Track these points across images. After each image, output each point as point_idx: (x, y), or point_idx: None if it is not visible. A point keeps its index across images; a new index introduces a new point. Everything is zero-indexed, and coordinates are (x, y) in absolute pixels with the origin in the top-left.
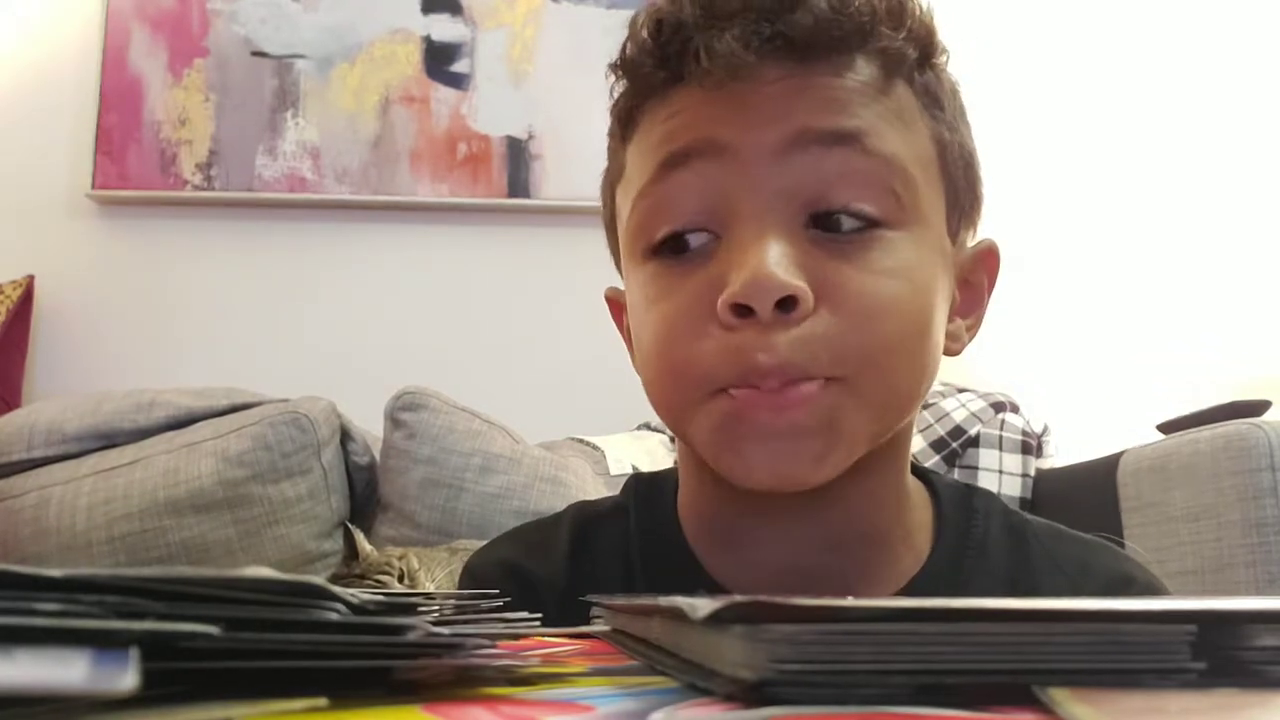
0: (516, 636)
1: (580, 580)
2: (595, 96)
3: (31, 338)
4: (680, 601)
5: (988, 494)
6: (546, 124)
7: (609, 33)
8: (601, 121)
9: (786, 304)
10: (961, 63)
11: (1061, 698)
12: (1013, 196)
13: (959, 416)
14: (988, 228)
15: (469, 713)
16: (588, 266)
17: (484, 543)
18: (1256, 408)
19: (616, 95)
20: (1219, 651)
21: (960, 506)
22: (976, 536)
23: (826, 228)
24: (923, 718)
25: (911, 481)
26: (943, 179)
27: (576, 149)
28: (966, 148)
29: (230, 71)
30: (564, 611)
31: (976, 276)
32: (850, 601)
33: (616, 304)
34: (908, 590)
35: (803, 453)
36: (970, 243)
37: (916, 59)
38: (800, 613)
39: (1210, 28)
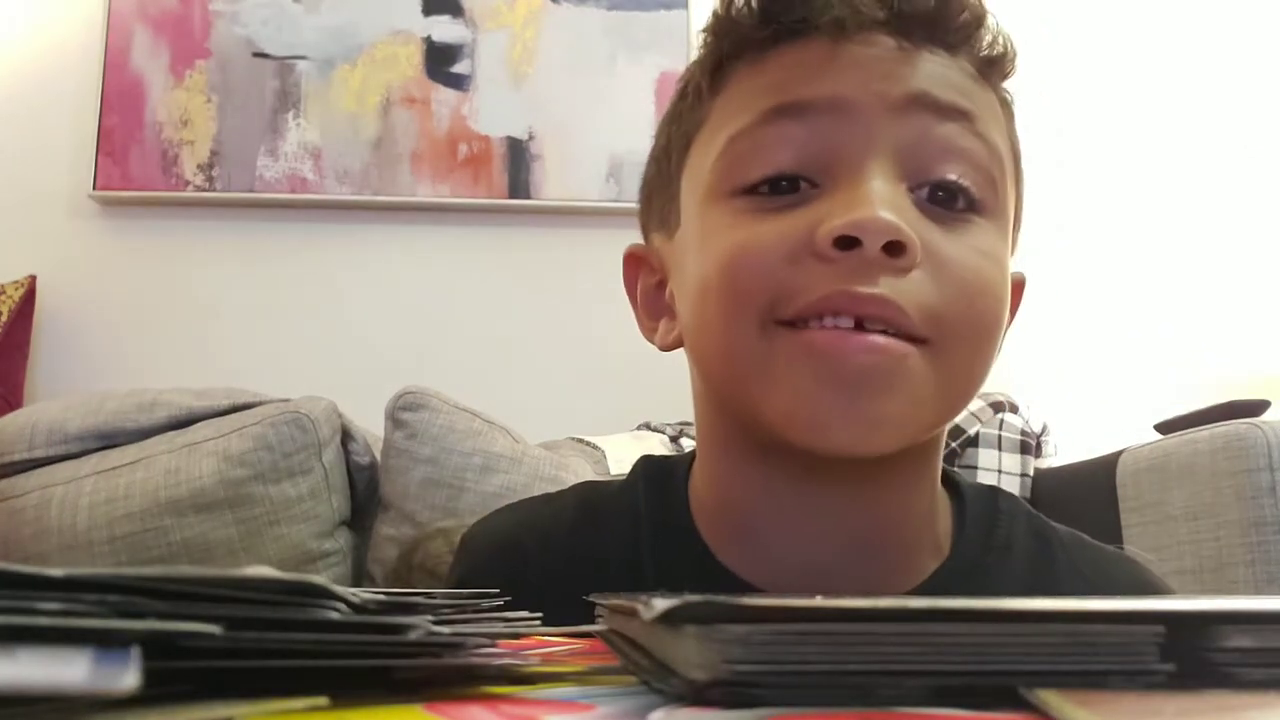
0: (517, 635)
1: (582, 562)
2: (595, 97)
3: (33, 338)
4: (636, 601)
5: (1011, 496)
6: (547, 125)
7: (609, 34)
8: (602, 122)
9: (894, 249)
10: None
11: (1055, 700)
12: None
13: (958, 416)
14: None
15: (469, 712)
16: (588, 266)
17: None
18: (1255, 407)
19: (702, 52)
20: (1189, 653)
21: (984, 507)
22: (1000, 537)
23: (929, 199)
24: (922, 718)
25: None
26: (1015, 186)
27: (577, 150)
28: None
29: (232, 72)
30: (563, 592)
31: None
32: (804, 601)
33: (638, 263)
34: (926, 587)
35: (883, 409)
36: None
37: (1005, 73)
38: (754, 613)
39: (1205, 28)
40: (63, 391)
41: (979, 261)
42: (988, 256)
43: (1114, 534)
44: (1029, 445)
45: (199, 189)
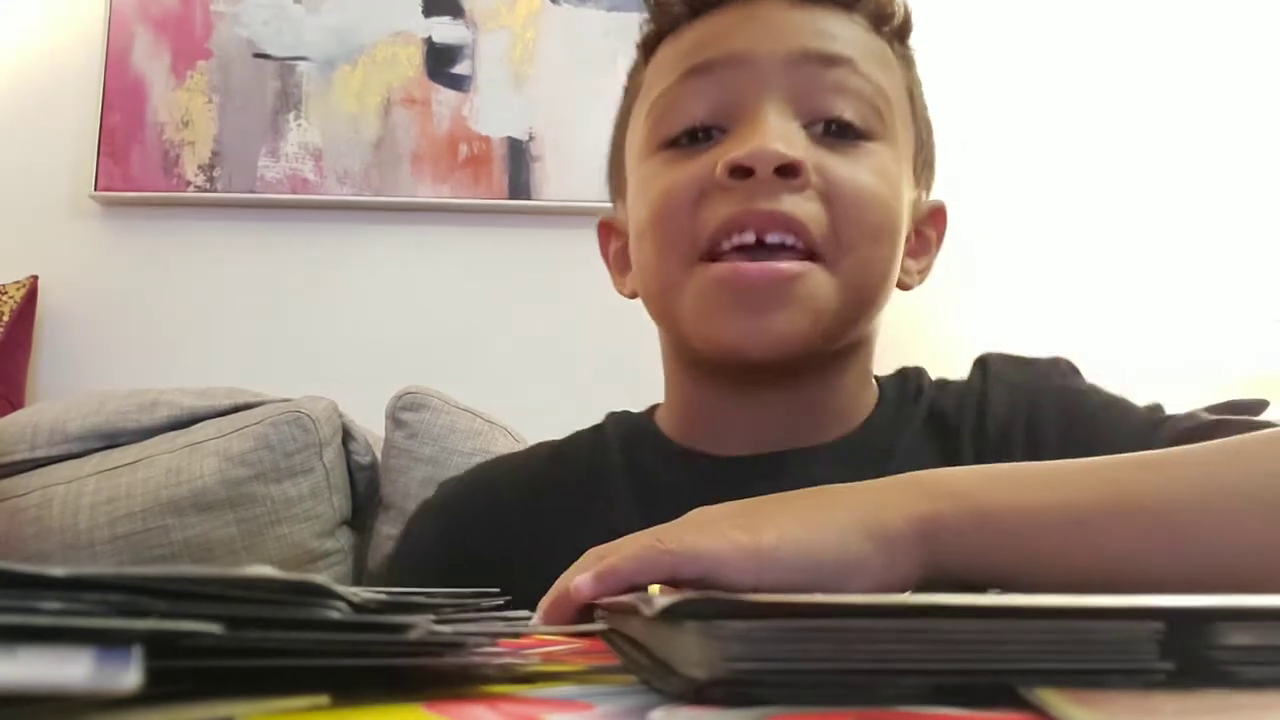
0: (517, 635)
1: (554, 481)
2: (596, 98)
3: (35, 338)
4: (636, 599)
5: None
6: (547, 125)
7: (609, 35)
8: (602, 123)
9: (787, 171)
10: (961, 58)
11: (1053, 699)
12: (1012, 195)
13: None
14: (989, 226)
15: (470, 711)
16: (588, 267)
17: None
18: (1254, 407)
19: (644, 32)
20: (1188, 651)
21: (897, 377)
22: (911, 388)
23: (825, 132)
24: (922, 717)
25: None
26: (914, 122)
27: (577, 150)
28: (929, 119)
29: (233, 73)
30: (539, 510)
31: (928, 229)
32: (805, 598)
33: (608, 229)
34: (855, 433)
35: (773, 324)
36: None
37: (897, 29)
38: (754, 610)
39: (1203, 23)
40: (64, 391)
41: (868, 178)
42: (878, 174)
43: None
44: None
45: (200, 189)
